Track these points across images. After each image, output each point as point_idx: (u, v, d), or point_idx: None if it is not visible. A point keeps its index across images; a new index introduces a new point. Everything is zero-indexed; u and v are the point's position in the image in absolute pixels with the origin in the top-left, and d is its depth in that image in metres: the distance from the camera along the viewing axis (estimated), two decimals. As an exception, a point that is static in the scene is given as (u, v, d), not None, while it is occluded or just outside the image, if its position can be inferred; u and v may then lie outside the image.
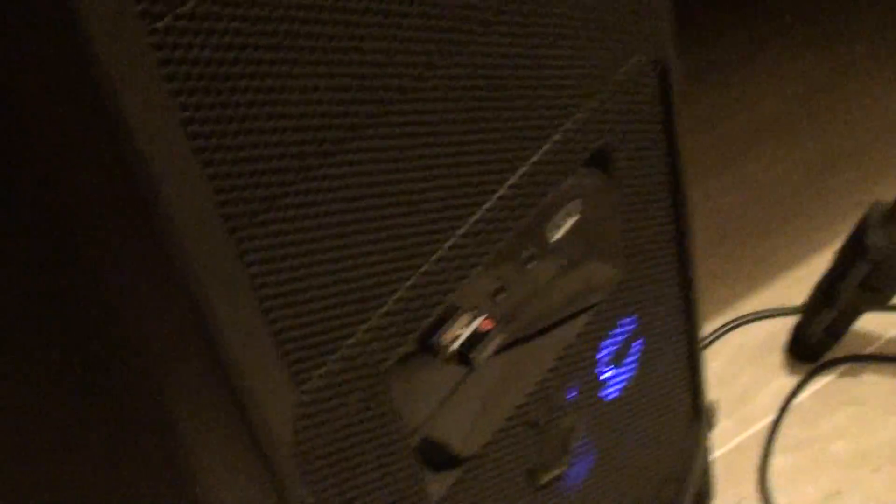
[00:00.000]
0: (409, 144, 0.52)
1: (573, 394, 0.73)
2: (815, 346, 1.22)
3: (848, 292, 1.13)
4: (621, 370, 0.79)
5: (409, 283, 0.55)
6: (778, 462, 1.16)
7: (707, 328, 1.32)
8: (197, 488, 0.54)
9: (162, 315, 0.47)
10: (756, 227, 1.45)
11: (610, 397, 0.79)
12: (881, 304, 1.15)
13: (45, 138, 0.42)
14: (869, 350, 1.26)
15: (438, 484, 0.62)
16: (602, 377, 0.77)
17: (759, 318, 1.32)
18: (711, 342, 1.31)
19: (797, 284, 1.32)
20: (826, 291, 1.16)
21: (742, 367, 1.27)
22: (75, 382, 0.54)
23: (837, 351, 1.25)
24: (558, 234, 0.66)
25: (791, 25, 1.80)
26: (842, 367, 1.24)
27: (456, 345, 0.59)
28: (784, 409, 1.20)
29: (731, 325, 1.32)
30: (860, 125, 1.58)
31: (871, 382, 1.22)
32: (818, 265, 1.28)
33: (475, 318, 0.60)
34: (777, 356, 1.28)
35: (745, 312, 1.33)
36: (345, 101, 0.47)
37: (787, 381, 1.24)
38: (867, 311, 1.20)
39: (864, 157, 1.51)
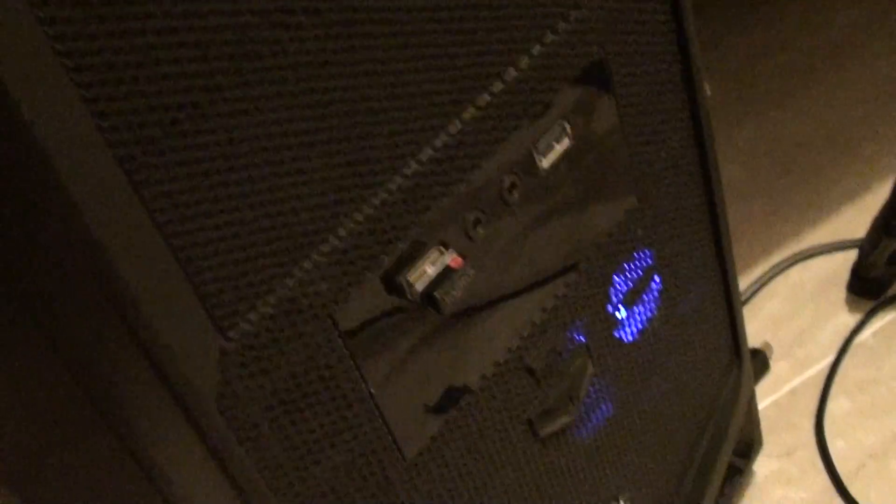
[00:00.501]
0: (347, 46, 0.46)
1: (580, 337, 0.66)
2: (877, 280, 1.13)
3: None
4: (640, 309, 0.72)
5: (358, 216, 0.49)
6: (836, 406, 1.08)
7: (766, 265, 1.24)
8: (130, 442, 0.49)
9: (60, 261, 0.42)
10: (818, 159, 1.36)
11: (629, 339, 0.72)
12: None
13: None
14: (937, 283, 1.16)
15: (413, 438, 0.56)
16: (618, 317, 0.70)
17: (820, 254, 1.24)
18: (769, 280, 1.23)
19: (860, 216, 1.23)
20: (886, 219, 1.07)
21: (801, 306, 1.19)
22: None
23: (901, 285, 1.16)
24: (547, 162, 0.59)
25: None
26: (907, 302, 1.15)
27: (423, 284, 0.53)
28: (844, 349, 1.12)
29: (790, 261, 1.24)
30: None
31: (940, 317, 1.13)
32: (882, 194, 1.19)
33: (446, 252, 0.54)
34: (839, 293, 1.19)
35: (805, 248, 1.25)
36: None
37: (849, 320, 1.16)
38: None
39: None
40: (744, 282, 1.22)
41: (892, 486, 1.00)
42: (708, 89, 1.48)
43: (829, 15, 1.57)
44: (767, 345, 1.12)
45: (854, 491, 1.00)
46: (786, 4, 1.61)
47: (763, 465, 1.04)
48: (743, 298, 1.21)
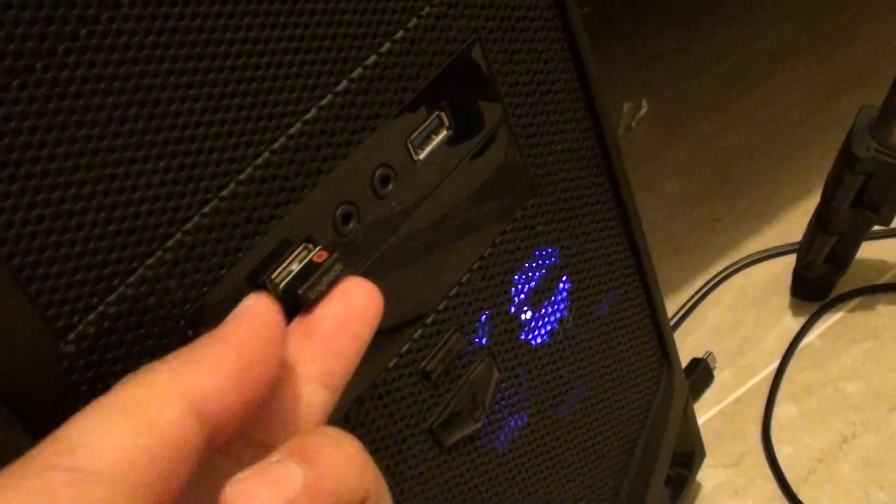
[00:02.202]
0: (186, 28, 0.43)
1: (481, 340, 0.64)
2: (818, 281, 1.11)
3: (842, 212, 1.01)
4: (548, 310, 0.70)
5: (206, 209, 0.46)
6: (783, 411, 1.05)
7: (709, 274, 1.22)
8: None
9: None
10: (758, 166, 1.34)
11: (538, 342, 0.70)
12: (883, 223, 1.03)
13: None
14: (882, 280, 1.14)
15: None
16: (523, 318, 0.68)
17: (761, 260, 1.22)
18: (712, 289, 1.21)
19: (803, 221, 1.22)
20: (819, 216, 1.05)
21: (744, 314, 1.17)
22: None
23: (845, 285, 1.14)
24: (424, 153, 0.57)
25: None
26: (852, 302, 1.13)
27: (285, 282, 0.50)
28: (788, 353, 1.10)
29: (731, 269, 1.22)
30: (859, 55, 1.46)
31: (887, 314, 1.11)
32: (820, 197, 1.17)
33: (314, 250, 0.51)
34: (782, 298, 1.17)
35: (747, 254, 1.23)
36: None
37: (793, 324, 1.14)
38: (869, 235, 1.08)
39: (867, 86, 1.40)
40: (686, 292, 1.20)
41: (842, 489, 0.97)
42: (645, 105, 1.47)
43: (762, 26, 1.57)
44: (710, 354, 1.10)
45: (804, 496, 0.98)
46: (720, 18, 1.61)
47: (710, 477, 1.02)
48: (685, 309, 1.18)
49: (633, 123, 1.46)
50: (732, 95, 1.46)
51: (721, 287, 1.20)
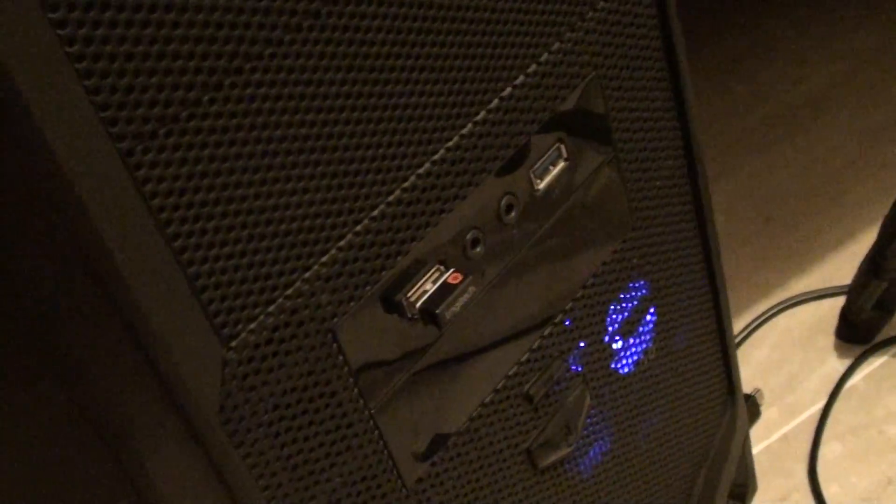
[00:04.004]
0: (347, 52, 0.45)
1: (577, 366, 0.66)
2: (865, 324, 1.13)
3: (894, 259, 1.03)
4: (636, 341, 0.72)
5: (359, 227, 0.48)
6: (829, 451, 1.07)
7: (753, 313, 1.24)
8: (126, 460, 0.48)
9: (60, 266, 0.41)
10: (802, 207, 1.37)
11: (625, 371, 0.71)
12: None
13: None
14: (926, 327, 1.16)
15: (413, 464, 0.55)
16: (614, 348, 0.70)
17: (807, 300, 1.24)
18: (757, 327, 1.23)
19: (846, 264, 1.24)
20: (872, 262, 1.07)
21: (789, 353, 1.19)
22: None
23: (890, 329, 1.16)
24: (543, 183, 0.59)
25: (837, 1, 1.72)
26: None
27: (422, 301, 0.52)
28: (834, 394, 1.11)
29: (777, 308, 1.23)
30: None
31: (930, 362, 1.13)
32: (867, 242, 1.20)
33: (446, 272, 0.53)
34: (827, 339, 1.19)
35: (792, 295, 1.25)
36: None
37: (838, 365, 1.15)
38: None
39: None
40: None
41: (888, 529, 0.99)
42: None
43: (808, 69, 1.59)
44: (758, 391, 1.11)
45: (851, 535, 0.99)
46: (763, 60, 1.63)
47: (758, 511, 1.03)
48: (731, 346, 1.20)
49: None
50: (775, 137, 1.49)
51: (766, 326, 1.22)
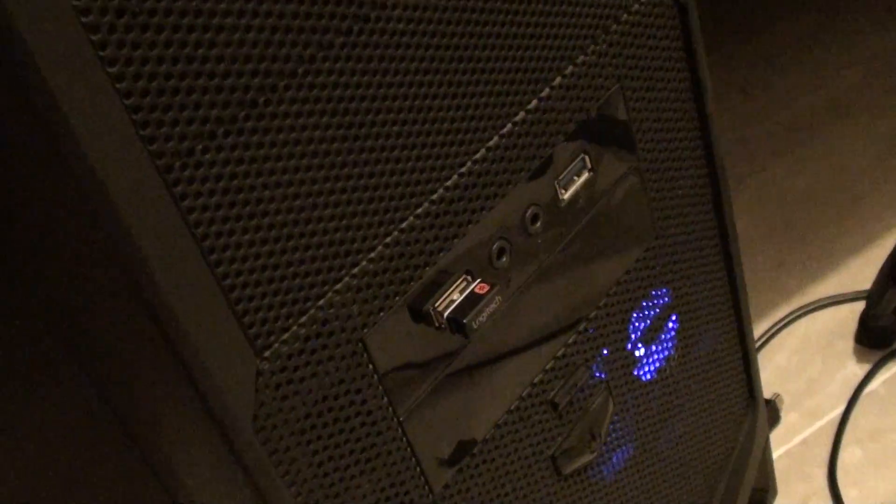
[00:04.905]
0: (379, 69, 0.46)
1: (600, 373, 0.67)
2: (884, 329, 1.14)
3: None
4: (657, 348, 0.72)
5: (388, 239, 0.49)
6: (848, 455, 1.07)
7: (773, 317, 1.24)
8: (158, 465, 0.49)
9: (95, 273, 0.42)
10: (822, 212, 1.37)
11: (647, 378, 0.72)
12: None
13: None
14: (946, 333, 1.17)
15: (440, 470, 0.56)
16: (637, 355, 0.70)
17: (826, 306, 1.24)
18: (777, 332, 1.23)
19: (866, 269, 1.24)
20: (893, 268, 1.07)
21: (809, 358, 1.19)
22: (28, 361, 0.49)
23: (911, 335, 1.16)
24: (568, 193, 0.60)
25: (862, 4, 1.72)
26: (917, 353, 1.16)
27: (449, 310, 0.53)
28: (854, 398, 1.12)
29: (797, 313, 1.24)
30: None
31: (950, 367, 1.13)
32: (887, 247, 1.20)
33: (473, 282, 0.54)
34: (846, 344, 1.19)
35: (812, 300, 1.25)
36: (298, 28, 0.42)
37: (857, 370, 1.16)
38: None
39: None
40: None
41: (908, 534, 1.00)
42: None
43: (827, 75, 1.59)
44: (778, 396, 1.12)
45: (870, 539, 1.00)
46: (783, 66, 1.64)
47: (778, 516, 1.04)
48: (751, 350, 1.21)
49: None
50: (795, 142, 1.49)
51: (786, 331, 1.23)
